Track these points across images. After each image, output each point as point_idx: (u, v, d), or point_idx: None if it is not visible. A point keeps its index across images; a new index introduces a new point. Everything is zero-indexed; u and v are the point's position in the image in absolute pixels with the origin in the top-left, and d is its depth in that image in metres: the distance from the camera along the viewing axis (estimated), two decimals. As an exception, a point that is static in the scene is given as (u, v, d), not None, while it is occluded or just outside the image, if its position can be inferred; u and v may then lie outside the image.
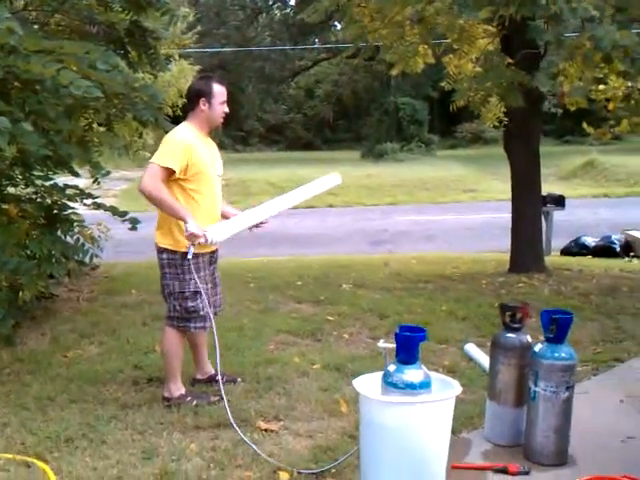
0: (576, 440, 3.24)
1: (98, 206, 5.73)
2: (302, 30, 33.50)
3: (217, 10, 35.27)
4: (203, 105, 3.71)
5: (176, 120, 8.39)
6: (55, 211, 5.66)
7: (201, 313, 3.67)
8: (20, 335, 5.03)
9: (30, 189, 5.75)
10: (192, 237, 3.45)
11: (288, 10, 37.63)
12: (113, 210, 5.68)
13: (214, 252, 3.87)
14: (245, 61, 34.71)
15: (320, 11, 9.15)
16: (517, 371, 3.25)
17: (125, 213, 5.72)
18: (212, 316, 3.65)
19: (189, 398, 3.72)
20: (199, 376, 4.03)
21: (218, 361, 3.40)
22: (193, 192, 3.64)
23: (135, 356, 4.52)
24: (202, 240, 3.46)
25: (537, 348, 3.13)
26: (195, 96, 3.74)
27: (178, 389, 3.74)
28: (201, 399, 3.73)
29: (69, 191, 5.67)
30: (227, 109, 3.79)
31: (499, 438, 3.32)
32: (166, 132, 8.20)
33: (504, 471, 3.02)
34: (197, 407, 3.63)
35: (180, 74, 11.76)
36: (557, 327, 3.08)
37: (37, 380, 4.06)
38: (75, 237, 5.73)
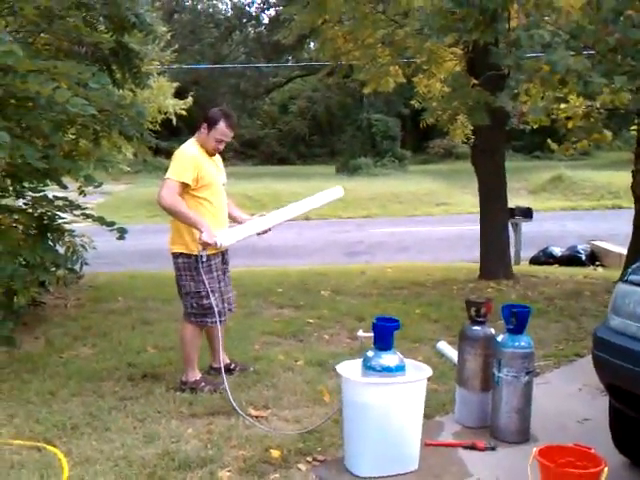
0: (538, 422, 3.61)
1: (87, 216, 6.00)
2: (276, 48, 33.94)
3: (192, 27, 35.65)
4: (203, 129, 4.13)
5: (156, 134, 8.69)
6: (46, 221, 5.91)
7: (216, 309, 4.05)
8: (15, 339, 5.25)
9: (21, 200, 5.99)
10: (204, 244, 3.90)
11: (262, 28, 38.17)
12: (101, 220, 5.93)
13: (225, 254, 4.25)
14: (220, 77, 35.14)
15: (294, 33, 9.56)
16: (482, 359, 3.61)
17: (113, 223, 5.99)
18: (226, 312, 4.17)
19: (203, 384, 4.12)
20: (215, 365, 4.36)
21: (221, 353, 3.94)
22: (204, 200, 4.06)
23: (128, 355, 4.80)
24: (212, 245, 3.91)
25: (500, 338, 3.50)
26: (203, 118, 4.16)
27: (194, 375, 4.16)
28: (212, 385, 4.11)
29: (58, 202, 5.94)
30: (221, 147, 4.19)
31: (468, 420, 3.67)
32: (149, 147, 8.50)
33: (473, 447, 3.37)
34: (211, 393, 4.02)
35: (159, 91, 12.06)
36: (517, 319, 3.44)
37: (37, 378, 4.32)
38: (66, 246, 5.96)
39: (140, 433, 3.45)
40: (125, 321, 5.91)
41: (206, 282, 4.00)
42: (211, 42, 36.45)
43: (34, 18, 5.75)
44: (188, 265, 4.04)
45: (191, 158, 4.00)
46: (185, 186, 3.96)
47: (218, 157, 4.35)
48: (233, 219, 4.35)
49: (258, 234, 4.27)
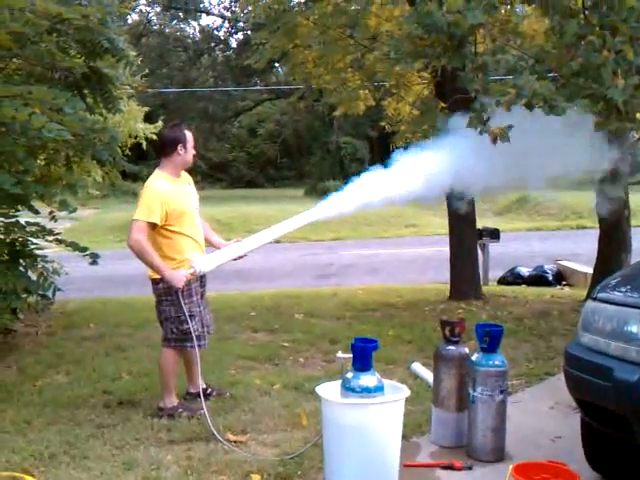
0: (512, 440, 3.68)
1: (59, 242, 5.97)
2: (244, 71, 34.21)
3: (160, 51, 35.73)
4: (180, 151, 4.15)
5: (125, 158, 8.67)
6: (18, 247, 5.86)
7: (196, 334, 4.08)
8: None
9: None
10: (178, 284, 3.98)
11: (230, 52, 38.43)
12: (74, 246, 5.92)
13: (203, 277, 4.26)
14: (188, 101, 35.18)
15: (265, 57, 9.70)
16: (457, 379, 3.68)
17: (85, 249, 5.98)
18: (206, 335, 4.18)
19: (180, 409, 4.12)
20: (192, 390, 4.40)
21: (200, 376, 4.05)
22: (177, 232, 4.08)
23: (103, 383, 4.77)
24: (191, 270, 3.97)
25: (474, 357, 3.58)
26: (172, 144, 4.16)
27: (171, 401, 4.16)
28: (190, 411, 4.12)
29: (30, 228, 5.90)
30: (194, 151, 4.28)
31: (444, 441, 3.73)
32: (121, 171, 8.44)
33: (450, 467, 3.43)
34: (189, 418, 4.02)
35: (129, 115, 12.03)
36: (490, 338, 3.52)
37: (11, 407, 4.27)
38: (38, 272, 5.91)
39: (119, 460, 3.43)
40: (98, 348, 5.87)
41: (185, 308, 4.02)
42: (179, 66, 36.57)
43: (7, 43, 5.74)
44: (169, 290, 4.03)
45: (158, 195, 3.99)
46: (155, 225, 3.98)
47: (189, 177, 4.38)
48: (210, 244, 4.38)
49: (234, 259, 4.31)
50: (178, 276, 3.96)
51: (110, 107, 7.22)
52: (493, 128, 4.80)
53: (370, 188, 4.22)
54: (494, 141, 5.18)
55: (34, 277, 5.99)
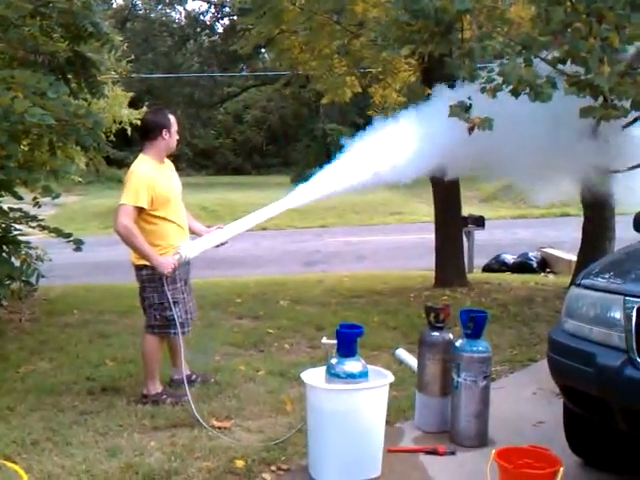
0: (495, 426, 3.70)
1: (43, 228, 5.92)
2: (230, 57, 33.96)
3: (145, 36, 35.38)
4: (165, 135, 4.14)
5: (110, 144, 8.58)
6: (1, 233, 5.80)
7: (179, 320, 4.06)
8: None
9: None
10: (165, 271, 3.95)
11: (216, 37, 38.13)
12: (57, 232, 5.86)
13: (188, 264, 4.24)
14: (174, 87, 34.91)
15: (251, 43, 9.62)
16: (441, 364, 3.71)
17: (69, 235, 5.93)
18: (189, 322, 4.16)
19: (164, 396, 4.11)
20: (176, 376, 4.39)
21: (183, 364, 4.01)
22: (162, 220, 4.06)
23: (86, 369, 4.75)
24: (177, 257, 3.96)
25: (458, 343, 3.60)
26: (156, 128, 4.14)
27: (155, 388, 4.14)
28: (174, 398, 4.11)
29: (14, 214, 5.84)
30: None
31: (428, 426, 3.76)
32: (105, 157, 8.37)
33: (434, 452, 3.45)
34: (173, 405, 4.01)
35: (114, 101, 11.87)
36: (474, 324, 3.54)
37: (-7, 393, 4.24)
38: (21, 258, 5.86)
39: (102, 447, 3.42)
40: (82, 334, 5.84)
41: (169, 294, 4.00)
42: (165, 51, 36.22)
43: (-12, 27, 5.66)
44: (152, 277, 4.02)
45: (144, 179, 3.97)
46: (141, 209, 3.95)
47: (171, 166, 4.36)
48: (192, 231, 4.36)
49: (217, 246, 4.30)
50: (166, 263, 3.94)
51: (94, 92, 7.13)
52: (473, 117, 4.76)
53: (348, 170, 4.22)
54: (471, 130, 5.16)
55: (17, 263, 5.94)
